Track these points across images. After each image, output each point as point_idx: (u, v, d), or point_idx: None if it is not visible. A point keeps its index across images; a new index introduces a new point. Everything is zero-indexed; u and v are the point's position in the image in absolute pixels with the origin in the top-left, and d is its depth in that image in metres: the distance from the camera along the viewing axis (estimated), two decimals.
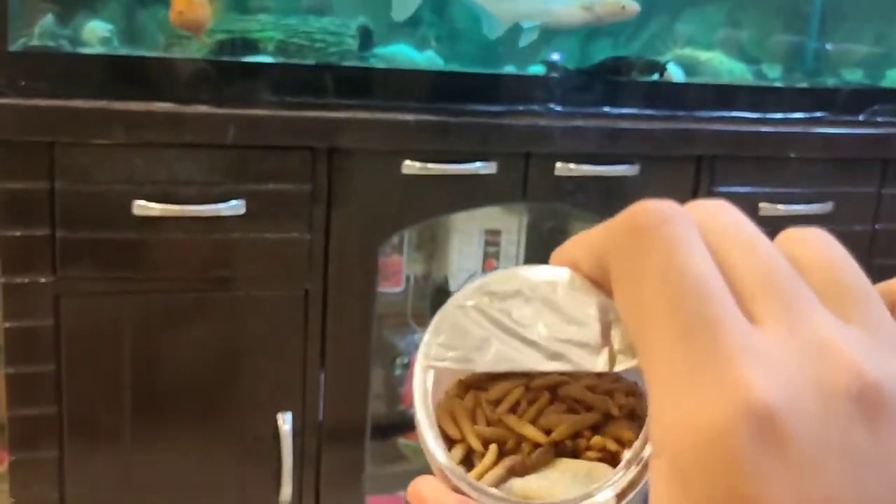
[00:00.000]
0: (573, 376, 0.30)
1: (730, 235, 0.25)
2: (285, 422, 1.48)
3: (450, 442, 0.30)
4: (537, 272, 0.29)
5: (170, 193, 1.37)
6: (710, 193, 1.63)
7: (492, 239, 1.76)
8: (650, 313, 0.24)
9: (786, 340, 0.23)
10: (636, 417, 0.30)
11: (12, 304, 1.35)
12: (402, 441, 1.76)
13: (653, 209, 0.25)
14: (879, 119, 1.75)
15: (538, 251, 1.81)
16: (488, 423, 0.30)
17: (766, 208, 1.66)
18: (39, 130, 1.31)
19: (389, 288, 1.72)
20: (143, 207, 1.35)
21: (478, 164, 1.50)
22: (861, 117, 1.74)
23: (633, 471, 0.27)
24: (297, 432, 1.50)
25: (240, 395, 1.49)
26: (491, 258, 1.76)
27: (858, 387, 0.22)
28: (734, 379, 0.21)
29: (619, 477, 0.27)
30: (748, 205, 1.65)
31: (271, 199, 1.42)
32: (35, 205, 1.33)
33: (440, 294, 1.76)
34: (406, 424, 1.80)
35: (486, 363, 0.29)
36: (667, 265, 0.24)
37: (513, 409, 0.30)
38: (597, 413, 0.30)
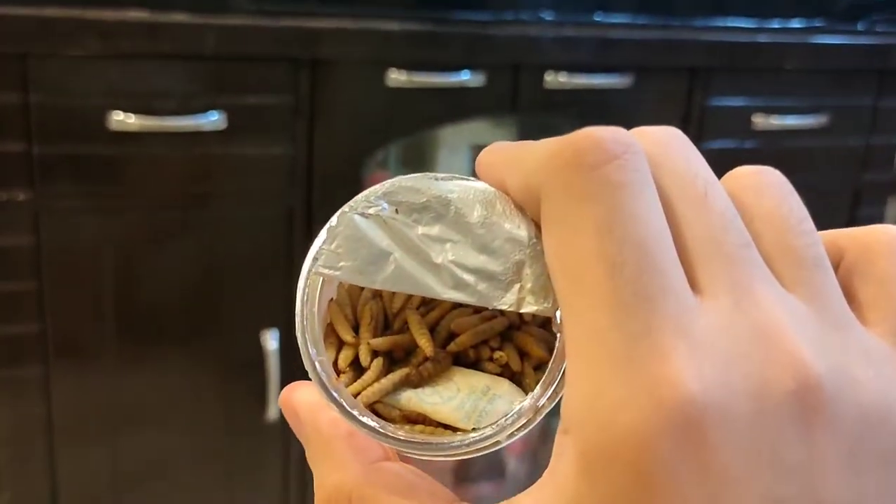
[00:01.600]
0: None
1: (685, 182, 0.22)
2: (271, 339, 1.47)
3: (340, 346, 0.28)
4: (455, 185, 0.26)
5: (148, 106, 1.33)
6: (704, 106, 1.60)
7: (479, 154, 1.73)
8: (582, 271, 0.21)
9: (728, 321, 0.20)
10: (547, 327, 0.27)
11: None
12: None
13: (602, 141, 0.22)
14: (878, 29, 1.71)
15: None
16: (388, 321, 0.28)
17: (759, 122, 1.63)
18: (11, 41, 1.27)
19: None
20: (121, 122, 1.32)
21: (465, 74, 1.47)
22: (859, 26, 1.70)
23: (528, 413, 0.25)
24: (284, 350, 1.49)
25: (224, 313, 1.48)
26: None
27: (798, 385, 0.20)
28: (663, 374, 0.19)
29: (512, 420, 0.25)
30: (741, 117, 1.63)
31: (252, 113, 1.38)
32: (9, 119, 1.29)
33: None
34: None
35: (381, 280, 0.26)
36: (610, 218, 0.21)
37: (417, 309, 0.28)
38: (505, 318, 0.27)
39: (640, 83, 1.57)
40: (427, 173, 0.27)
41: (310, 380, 0.27)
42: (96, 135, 1.32)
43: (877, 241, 0.23)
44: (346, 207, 0.27)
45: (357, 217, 0.26)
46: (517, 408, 0.25)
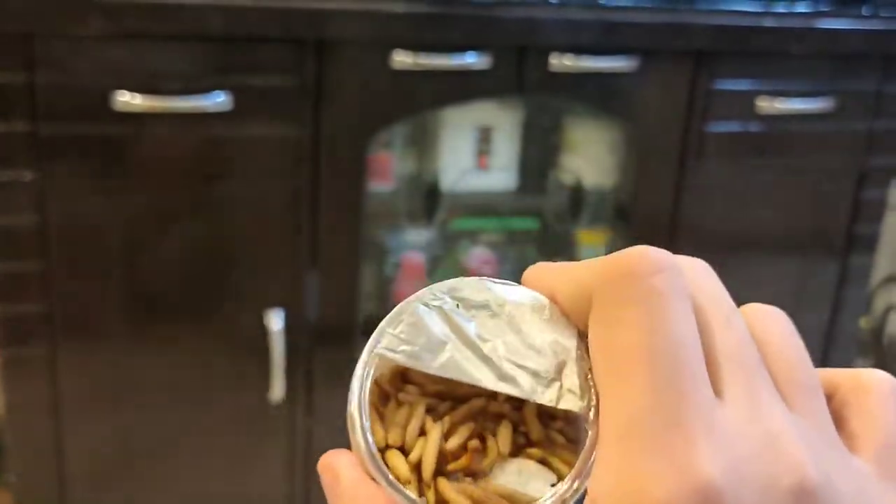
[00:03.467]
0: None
1: (715, 303, 0.26)
2: (276, 319, 1.48)
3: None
4: (511, 291, 0.29)
5: (153, 86, 1.33)
6: (709, 89, 1.60)
7: (485, 136, 1.73)
8: (624, 362, 0.24)
9: (743, 424, 0.24)
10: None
11: None
12: None
13: (649, 257, 0.25)
14: (883, 13, 1.70)
15: (532, 149, 1.79)
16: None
17: (764, 105, 1.63)
18: (16, 21, 1.27)
19: (380, 185, 1.69)
20: (126, 103, 1.32)
21: (470, 56, 1.47)
22: (864, 11, 1.70)
23: (566, 494, 0.27)
24: (288, 330, 1.49)
25: (230, 294, 1.48)
26: (484, 155, 1.73)
27: (800, 488, 0.23)
28: (691, 457, 0.22)
29: (551, 500, 0.27)
30: (746, 101, 1.63)
31: (258, 94, 1.39)
32: (14, 99, 1.29)
33: (431, 192, 1.74)
34: None
35: (435, 367, 0.28)
36: (653, 319, 0.24)
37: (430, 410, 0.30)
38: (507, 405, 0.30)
39: (646, 66, 1.57)
40: (486, 278, 0.30)
41: (348, 448, 0.29)
42: (101, 115, 1.33)
43: (868, 381, 0.27)
44: (412, 297, 0.29)
45: (421, 307, 0.29)
46: (557, 488, 0.28)
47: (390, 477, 0.28)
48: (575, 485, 0.27)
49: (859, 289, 1.88)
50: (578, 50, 1.52)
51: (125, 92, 1.32)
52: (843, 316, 1.85)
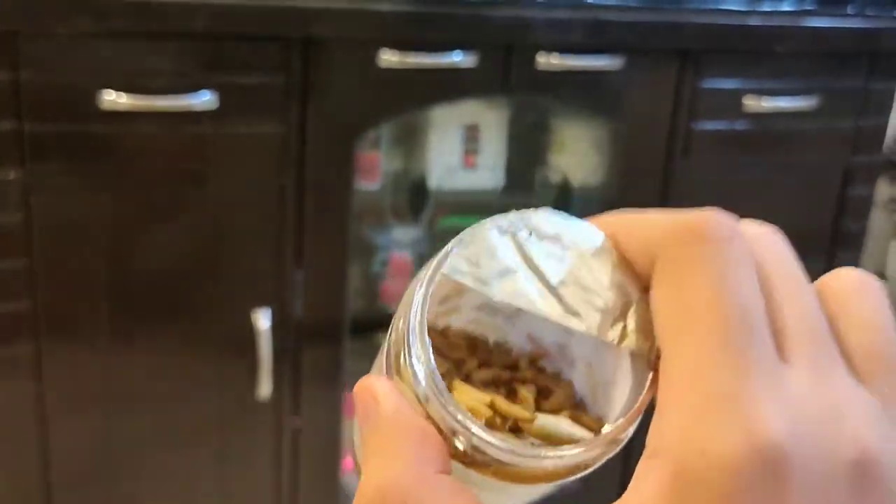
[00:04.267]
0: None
1: (781, 273, 0.26)
2: (263, 318, 1.48)
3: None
4: (581, 226, 0.29)
5: (139, 85, 1.33)
6: (695, 88, 1.61)
7: (471, 135, 1.73)
8: (690, 319, 0.24)
9: (808, 390, 0.24)
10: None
11: None
12: (380, 337, 1.76)
13: (721, 222, 0.25)
14: (868, 12, 1.71)
15: (519, 147, 1.79)
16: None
17: (750, 104, 1.64)
18: (2, 19, 1.27)
19: (367, 184, 1.69)
20: (112, 101, 1.32)
21: (457, 55, 1.47)
22: (849, 10, 1.71)
23: (623, 427, 0.27)
24: (275, 329, 1.49)
25: (216, 292, 1.48)
26: (471, 154, 1.73)
27: (860, 460, 0.23)
28: (756, 416, 0.22)
29: (599, 439, 0.27)
30: (733, 99, 1.63)
31: (244, 93, 1.38)
32: (0, 97, 1.29)
33: (418, 190, 1.74)
34: (385, 321, 1.80)
35: (503, 293, 0.28)
36: (722, 282, 0.24)
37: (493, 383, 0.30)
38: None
39: (632, 65, 1.57)
40: (564, 212, 0.29)
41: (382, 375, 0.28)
42: (87, 113, 1.32)
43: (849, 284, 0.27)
44: (488, 220, 0.28)
45: (494, 231, 0.28)
46: (607, 428, 0.27)
47: (449, 396, 0.27)
48: (627, 427, 0.27)
49: None
50: (565, 49, 1.52)
51: (111, 91, 1.32)
52: None
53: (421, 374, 0.27)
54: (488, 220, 0.28)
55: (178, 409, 1.51)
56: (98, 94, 1.31)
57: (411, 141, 1.76)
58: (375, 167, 1.71)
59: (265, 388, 1.51)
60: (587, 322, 0.27)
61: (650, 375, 0.27)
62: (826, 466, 0.23)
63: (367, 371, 0.29)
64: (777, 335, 0.24)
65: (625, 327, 0.27)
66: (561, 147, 1.79)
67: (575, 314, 0.27)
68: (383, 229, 1.79)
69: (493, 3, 1.48)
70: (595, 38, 1.54)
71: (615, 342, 0.27)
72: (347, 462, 1.63)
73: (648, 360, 0.27)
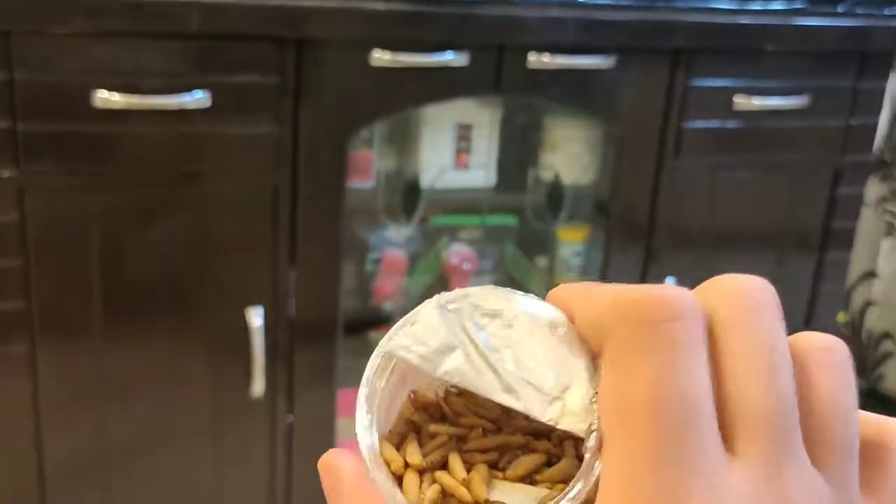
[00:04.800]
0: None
1: (755, 353, 0.24)
2: (256, 316, 1.48)
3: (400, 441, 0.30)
4: (529, 303, 0.29)
5: (133, 84, 1.33)
6: (686, 87, 1.62)
7: (464, 134, 1.73)
8: (630, 414, 0.23)
9: (754, 487, 0.23)
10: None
11: None
12: (373, 336, 1.77)
13: (667, 300, 0.24)
14: (859, 11, 1.72)
15: (511, 146, 1.80)
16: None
17: (741, 102, 1.65)
18: None
19: (360, 183, 1.70)
20: (106, 100, 1.32)
21: (449, 54, 1.47)
22: (840, 8, 1.72)
23: None
24: (269, 328, 1.50)
25: (210, 291, 1.48)
26: (463, 153, 1.74)
27: None
28: None
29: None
30: (723, 98, 1.64)
31: (238, 92, 1.39)
32: None
33: (411, 189, 1.75)
34: (378, 319, 1.80)
35: (442, 371, 0.28)
36: (665, 372, 0.23)
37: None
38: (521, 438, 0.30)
39: (624, 64, 1.58)
40: (511, 289, 0.29)
41: (348, 449, 0.29)
42: (81, 113, 1.32)
43: (894, 438, 0.26)
44: (432, 299, 0.29)
45: (438, 310, 0.29)
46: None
47: (386, 472, 0.28)
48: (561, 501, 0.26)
49: (836, 284, 1.90)
50: (557, 48, 1.53)
51: (105, 90, 1.32)
52: (820, 311, 1.87)
53: (363, 445, 0.28)
54: (434, 297, 0.29)
55: (171, 407, 1.52)
56: (92, 94, 1.32)
57: (404, 140, 1.76)
58: (368, 166, 1.72)
59: (258, 386, 1.51)
60: (525, 401, 0.27)
61: (587, 458, 0.26)
62: None
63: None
64: (727, 426, 0.23)
65: (563, 406, 0.27)
66: (553, 146, 1.80)
67: (513, 392, 0.27)
68: (376, 228, 1.79)
69: (485, 2, 1.49)
70: (587, 37, 1.55)
71: (551, 422, 0.27)
72: None
73: (585, 443, 0.27)
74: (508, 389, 0.27)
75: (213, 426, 1.55)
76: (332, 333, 1.56)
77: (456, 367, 0.28)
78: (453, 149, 1.73)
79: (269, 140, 1.42)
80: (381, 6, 1.42)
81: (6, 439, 1.46)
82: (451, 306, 0.29)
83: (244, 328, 1.48)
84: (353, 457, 0.28)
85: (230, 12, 1.35)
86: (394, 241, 1.80)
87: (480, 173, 1.77)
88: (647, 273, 1.71)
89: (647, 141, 1.65)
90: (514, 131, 1.80)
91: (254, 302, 1.49)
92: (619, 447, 0.23)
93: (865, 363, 2.52)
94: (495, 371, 0.28)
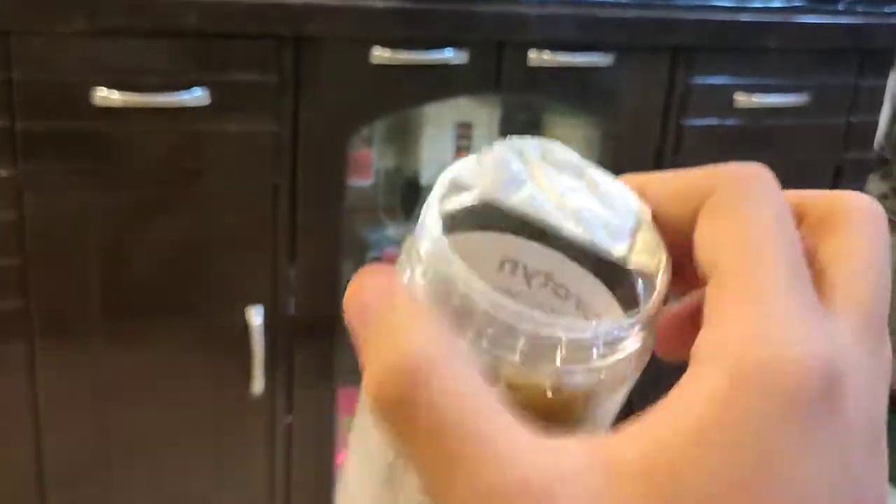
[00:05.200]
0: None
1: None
2: (256, 315, 1.48)
3: None
4: (600, 173, 0.28)
5: (132, 82, 1.33)
6: (686, 85, 1.61)
7: (464, 132, 1.73)
8: (760, 246, 0.24)
9: (855, 342, 0.24)
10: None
11: None
12: None
13: (764, 169, 0.26)
14: (859, 9, 1.71)
15: None
16: None
17: (741, 100, 1.64)
18: None
19: (359, 181, 1.69)
20: (105, 98, 1.31)
21: (449, 52, 1.47)
22: (840, 6, 1.71)
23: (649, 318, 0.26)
24: (269, 326, 1.49)
25: (209, 289, 1.48)
26: (463, 152, 1.74)
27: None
28: (819, 338, 0.22)
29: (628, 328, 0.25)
30: (724, 96, 1.64)
31: (237, 90, 1.38)
32: None
33: (411, 188, 1.75)
34: None
35: (513, 201, 0.27)
36: (781, 216, 0.25)
37: None
38: None
39: (624, 62, 1.57)
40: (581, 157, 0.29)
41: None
42: (80, 111, 1.32)
43: (845, 206, 0.27)
44: (504, 142, 0.28)
45: (505, 149, 0.28)
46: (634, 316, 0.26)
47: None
48: (658, 307, 0.26)
49: None
50: (557, 45, 1.53)
51: (104, 88, 1.31)
52: None
53: (431, 234, 0.25)
54: (504, 141, 0.28)
55: (171, 406, 1.51)
56: (91, 92, 1.31)
57: (403, 138, 1.76)
58: (368, 164, 1.71)
59: (258, 384, 1.51)
60: (597, 236, 0.27)
61: (658, 289, 0.26)
62: (872, 387, 0.23)
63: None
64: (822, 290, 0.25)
65: (632, 245, 0.27)
66: None
67: (584, 225, 0.27)
68: (376, 226, 1.79)
69: None
70: (587, 34, 1.55)
71: (621, 256, 0.27)
72: (340, 458, 1.64)
73: (655, 277, 0.26)
74: (578, 223, 0.27)
75: (213, 424, 1.55)
76: (332, 332, 1.56)
77: (525, 199, 0.27)
78: (453, 147, 1.73)
79: (268, 138, 1.42)
80: (380, 4, 1.42)
81: (4, 440, 1.46)
82: (520, 148, 0.28)
83: (244, 327, 1.48)
84: (387, 270, 0.25)
85: (229, 10, 1.35)
86: (393, 239, 1.80)
87: None
88: None
89: (647, 138, 1.65)
90: (513, 130, 1.80)
91: (253, 300, 1.48)
92: (749, 267, 0.24)
93: None
94: (565, 209, 0.27)
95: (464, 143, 1.73)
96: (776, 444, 0.21)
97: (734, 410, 0.21)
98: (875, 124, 1.82)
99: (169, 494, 1.56)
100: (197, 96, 1.35)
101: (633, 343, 0.25)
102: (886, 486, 0.24)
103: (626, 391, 0.26)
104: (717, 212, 0.25)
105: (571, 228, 0.26)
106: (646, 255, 0.27)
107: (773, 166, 0.28)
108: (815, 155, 1.77)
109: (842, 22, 1.70)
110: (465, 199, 0.27)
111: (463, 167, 0.27)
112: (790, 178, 0.27)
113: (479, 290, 0.24)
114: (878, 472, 0.23)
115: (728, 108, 1.65)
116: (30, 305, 1.39)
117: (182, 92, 1.35)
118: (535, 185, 0.27)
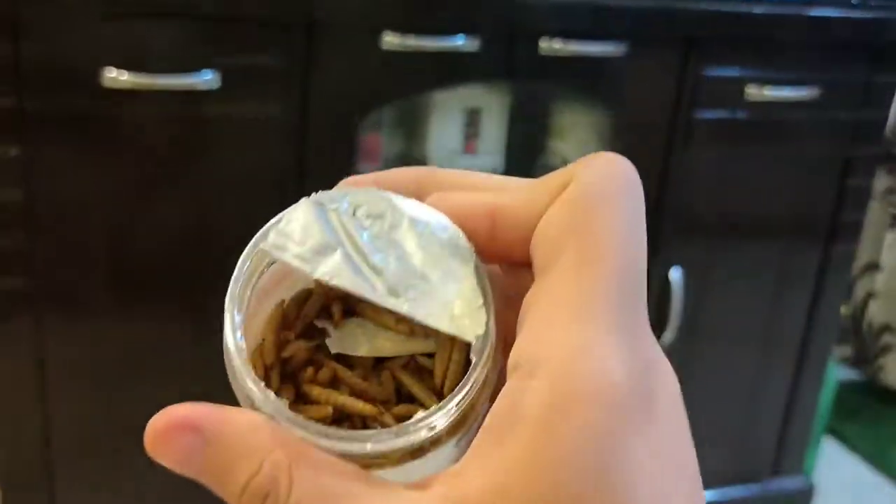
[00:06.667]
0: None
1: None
2: None
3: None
4: (414, 207, 0.27)
5: (141, 64, 1.33)
6: (698, 76, 1.61)
7: (473, 119, 1.73)
8: (601, 253, 0.25)
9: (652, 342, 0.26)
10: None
11: None
12: None
13: (630, 165, 0.27)
14: (872, 3, 1.71)
15: (520, 133, 1.79)
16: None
17: (753, 93, 1.64)
18: None
19: (368, 166, 1.69)
20: (114, 79, 1.31)
21: (460, 38, 1.46)
22: (853, 0, 1.70)
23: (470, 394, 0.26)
24: None
25: (216, 273, 1.48)
26: (472, 138, 1.73)
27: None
28: (644, 346, 0.24)
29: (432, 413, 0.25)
30: (735, 88, 1.63)
31: (247, 75, 1.38)
32: (0, 74, 1.28)
33: None
34: None
35: (321, 271, 0.26)
36: (637, 215, 0.26)
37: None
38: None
39: (636, 51, 1.57)
40: (392, 192, 0.28)
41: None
42: (88, 91, 1.32)
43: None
44: (310, 197, 0.28)
45: (316, 207, 0.27)
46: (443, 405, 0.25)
47: (248, 368, 0.26)
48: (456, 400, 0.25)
49: (841, 275, 1.89)
50: (568, 34, 1.52)
51: (112, 68, 1.31)
52: (825, 302, 1.86)
53: (231, 346, 0.27)
54: (314, 194, 0.28)
55: (177, 383, 1.52)
56: (100, 72, 1.31)
57: (412, 124, 1.76)
58: (377, 150, 1.71)
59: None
60: (408, 304, 0.26)
61: (486, 353, 0.25)
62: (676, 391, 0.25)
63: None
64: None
65: (452, 313, 0.26)
66: (561, 133, 1.79)
67: (398, 295, 0.26)
68: None
69: None
70: (598, 23, 1.54)
71: (439, 327, 0.26)
72: None
73: (473, 345, 0.26)
74: (393, 292, 0.26)
75: (220, 400, 1.54)
76: None
77: (336, 268, 0.26)
78: (462, 134, 1.73)
79: (277, 122, 1.42)
80: None
81: (12, 416, 1.46)
82: (331, 205, 0.27)
83: None
84: (195, 405, 0.27)
85: None
86: None
87: (489, 159, 1.76)
88: (654, 261, 1.71)
89: (657, 130, 1.64)
90: (523, 117, 1.79)
91: None
92: (582, 274, 0.24)
93: (866, 355, 2.51)
94: (379, 273, 0.26)
95: (472, 130, 1.73)
96: (608, 456, 0.22)
97: (562, 428, 0.22)
98: (885, 119, 1.82)
99: (175, 473, 1.56)
100: (207, 79, 1.35)
101: (446, 419, 0.25)
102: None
103: (485, 407, 0.26)
104: (563, 207, 0.26)
105: (385, 300, 0.26)
106: (467, 320, 0.26)
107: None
108: (824, 149, 1.76)
109: (855, 16, 1.69)
110: (275, 266, 0.28)
111: (273, 234, 0.27)
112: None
113: (272, 411, 0.26)
114: (692, 454, 0.25)
115: (739, 100, 1.65)
116: (37, 284, 1.39)
117: (192, 74, 1.35)
118: (346, 250, 0.26)
